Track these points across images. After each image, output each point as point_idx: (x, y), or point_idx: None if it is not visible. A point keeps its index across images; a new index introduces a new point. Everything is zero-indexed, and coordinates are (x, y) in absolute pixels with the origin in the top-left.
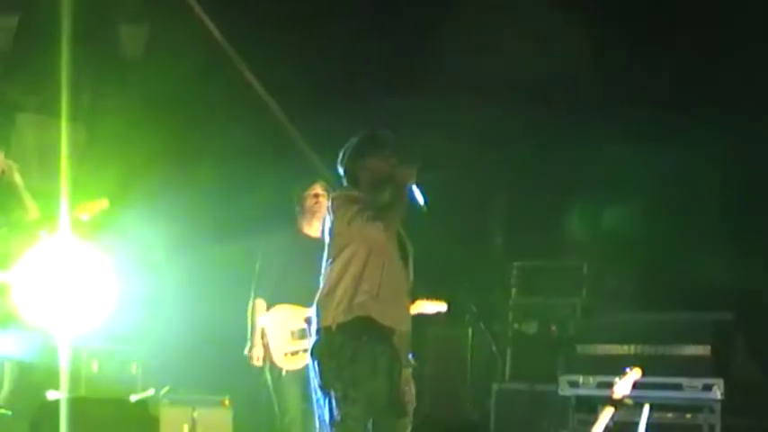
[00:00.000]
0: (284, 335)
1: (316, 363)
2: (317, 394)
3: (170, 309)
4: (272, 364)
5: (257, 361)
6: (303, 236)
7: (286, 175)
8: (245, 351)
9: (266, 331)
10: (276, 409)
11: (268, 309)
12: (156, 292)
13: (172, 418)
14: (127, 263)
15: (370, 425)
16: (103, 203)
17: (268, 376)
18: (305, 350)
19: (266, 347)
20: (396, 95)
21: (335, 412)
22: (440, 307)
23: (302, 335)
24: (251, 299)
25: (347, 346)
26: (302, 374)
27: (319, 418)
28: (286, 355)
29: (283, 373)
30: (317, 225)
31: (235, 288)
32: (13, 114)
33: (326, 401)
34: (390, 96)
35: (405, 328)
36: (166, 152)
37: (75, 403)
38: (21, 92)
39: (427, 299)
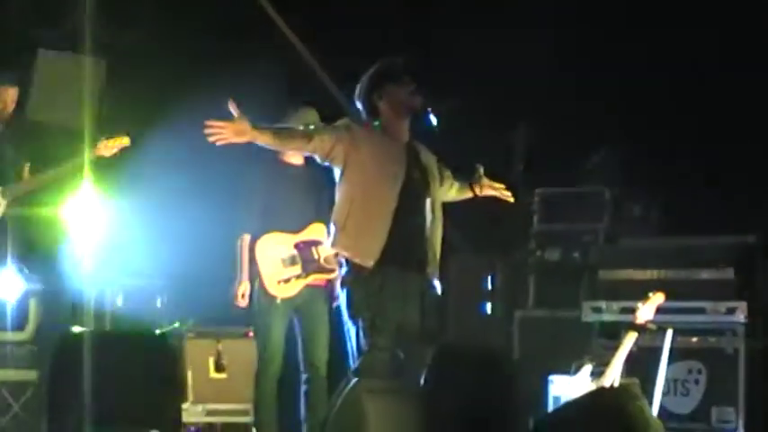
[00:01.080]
0: (275, 263)
1: (345, 291)
2: (346, 325)
3: (192, 243)
4: (265, 294)
5: (241, 299)
6: (283, 163)
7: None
8: (234, 289)
9: (257, 260)
10: (257, 339)
11: (256, 240)
12: (178, 227)
13: (197, 350)
14: (149, 199)
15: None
16: (125, 140)
17: (257, 306)
18: (297, 276)
19: (259, 277)
20: (415, 20)
21: (363, 341)
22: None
23: (293, 261)
24: (238, 236)
25: (376, 275)
26: (294, 302)
27: (350, 349)
28: (279, 282)
29: (277, 301)
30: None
31: None
32: (34, 49)
33: (355, 331)
34: (410, 21)
35: (369, 263)
36: (185, 87)
37: (98, 337)
38: (40, 26)
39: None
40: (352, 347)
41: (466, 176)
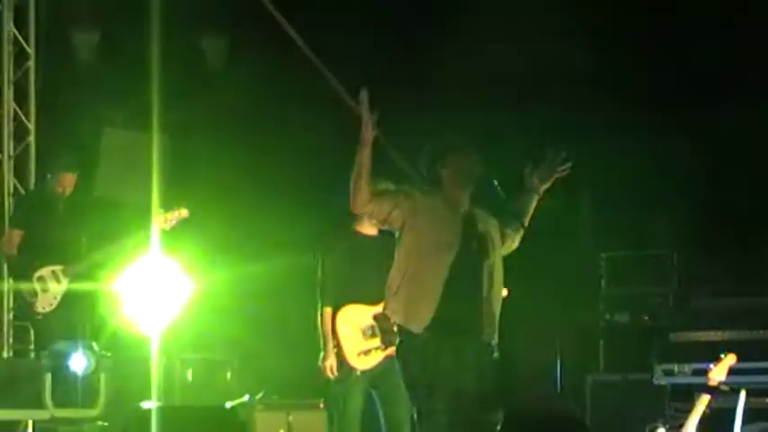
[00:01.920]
0: (355, 334)
1: (400, 361)
2: (408, 392)
3: (261, 315)
4: (342, 365)
5: (330, 372)
6: (360, 234)
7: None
8: (319, 362)
9: (338, 333)
10: (330, 411)
11: (336, 312)
12: (245, 300)
13: (267, 422)
14: (215, 271)
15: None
16: (184, 212)
17: (333, 378)
18: (377, 348)
19: (339, 349)
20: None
21: (422, 408)
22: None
23: (373, 333)
24: (318, 309)
25: (430, 343)
26: (375, 373)
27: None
28: (359, 354)
29: (357, 373)
30: (369, 223)
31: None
32: (100, 129)
33: (414, 399)
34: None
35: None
36: (251, 163)
37: (166, 411)
38: (107, 106)
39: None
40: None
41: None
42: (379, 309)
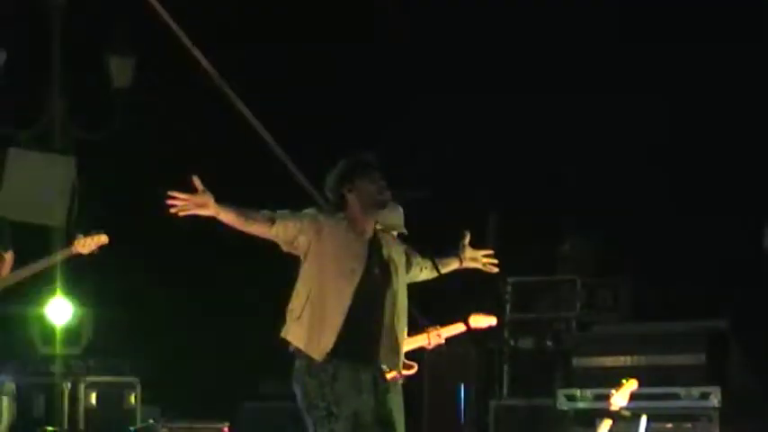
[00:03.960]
0: None
1: (298, 384)
2: (305, 415)
3: (169, 340)
4: None
5: None
6: None
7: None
8: None
9: None
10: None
11: None
12: (154, 322)
13: None
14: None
15: None
16: (102, 239)
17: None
18: None
19: None
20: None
21: (320, 431)
22: (490, 321)
23: None
24: None
25: (328, 365)
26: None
27: None
28: None
29: None
30: None
31: (229, 317)
32: (4, 149)
33: (313, 422)
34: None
35: (319, 357)
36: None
37: None
38: (10, 126)
39: (478, 314)
40: None
41: (449, 250)
42: None
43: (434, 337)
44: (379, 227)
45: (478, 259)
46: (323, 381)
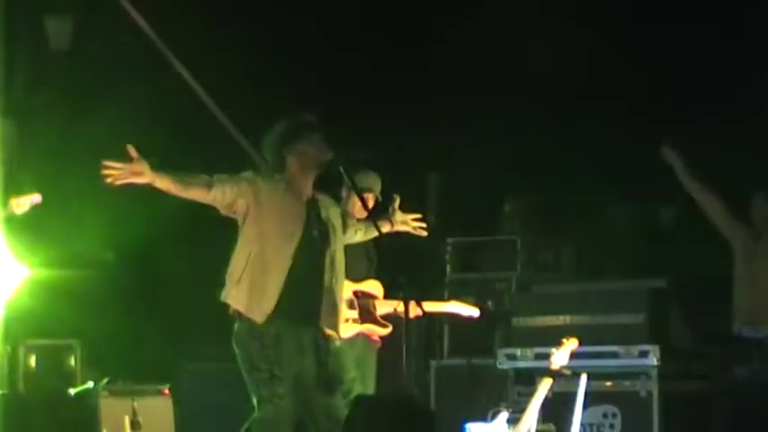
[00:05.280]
0: None
1: (240, 346)
2: (247, 377)
3: (108, 302)
4: None
5: None
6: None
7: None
8: None
9: None
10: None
11: None
12: (93, 285)
13: (112, 409)
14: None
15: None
16: (36, 198)
17: None
18: (354, 320)
19: None
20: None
21: (263, 392)
22: (472, 312)
23: (350, 305)
24: None
25: (270, 328)
26: (352, 342)
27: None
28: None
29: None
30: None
31: (174, 279)
32: None
33: (255, 383)
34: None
35: (260, 319)
36: (102, 147)
37: (11, 399)
38: None
39: (460, 301)
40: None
41: (380, 212)
42: (358, 287)
43: (413, 308)
44: (344, 193)
45: (408, 222)
46: (265, 343)
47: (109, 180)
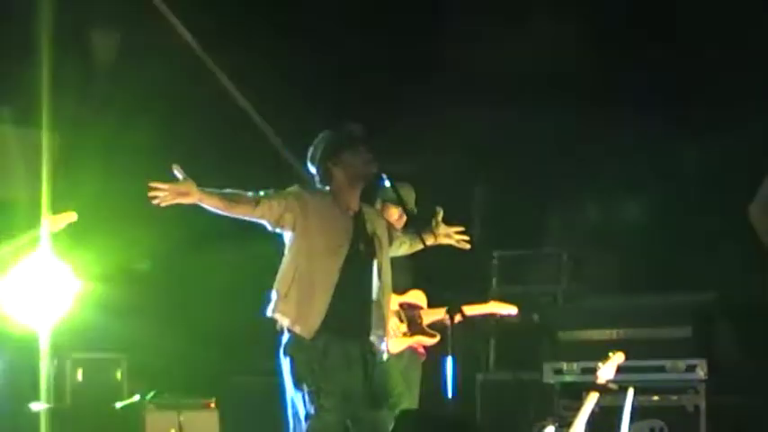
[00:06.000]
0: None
1: (288, 358)
2: (291, 391)
3: (153, 315)
4: None
5: None
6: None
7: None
8: None
9: None
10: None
11: None
12: (139, 299)
13: (158, 422)
14: (110, 271)
15: (348, 421)
16: (71, 216)
17: None
18: (403, 334)
19: None
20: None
21: (309, 407)
22: (510, 310)
23: (399, 318)
24: None
25: (318, 342)
26: (399, 355)
27: (293, 416)
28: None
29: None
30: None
31: (219, 293)
32: None
33: (301, 397)
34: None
35: (307, 335)
36: (146, 160)
37: (57, 413)
38: None
39: (499, 301)
40: (295, 415)
41: (424, 224)
42: (403, 299)
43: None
44: (379, 202)
45: (451, 235)
46: (312, 356)
47: (155, 201)
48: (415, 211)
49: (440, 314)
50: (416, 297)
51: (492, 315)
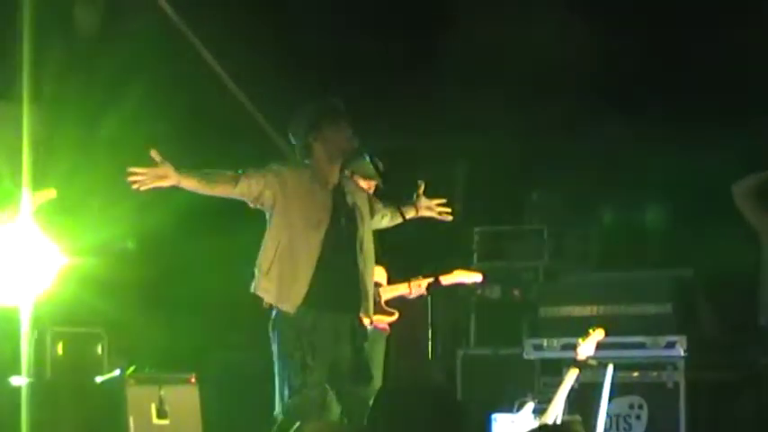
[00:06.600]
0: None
1: (276, 331)
2: (280, 364)
3: (134, 290)
4: None
5: None
6: None
7: (250, 154)
8: None
9: None
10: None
11: None
12: (120, 274)
13: (138, 397)
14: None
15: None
16: (51, 193)
17: None
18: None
19: None
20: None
21: (294, 381)
22: (475, 277)
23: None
24: None
25: (306, 315)
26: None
27: (279, 388)
28: None
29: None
30: None
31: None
32: None
33: (287, 371)
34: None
35: (291, 309)
36: (129, 134)
37: (38, 387)
38: None
39: (463, 269)
40: (280, 387)
41: (404, 199)
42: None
43: (416, 287)
44: (348, 173)
45: (433, 208)
46: (300, 331)
47: (134, 186)
48: (381, 183)
49: (400, 290)
50: (377, 274)
51: (460, 284)
